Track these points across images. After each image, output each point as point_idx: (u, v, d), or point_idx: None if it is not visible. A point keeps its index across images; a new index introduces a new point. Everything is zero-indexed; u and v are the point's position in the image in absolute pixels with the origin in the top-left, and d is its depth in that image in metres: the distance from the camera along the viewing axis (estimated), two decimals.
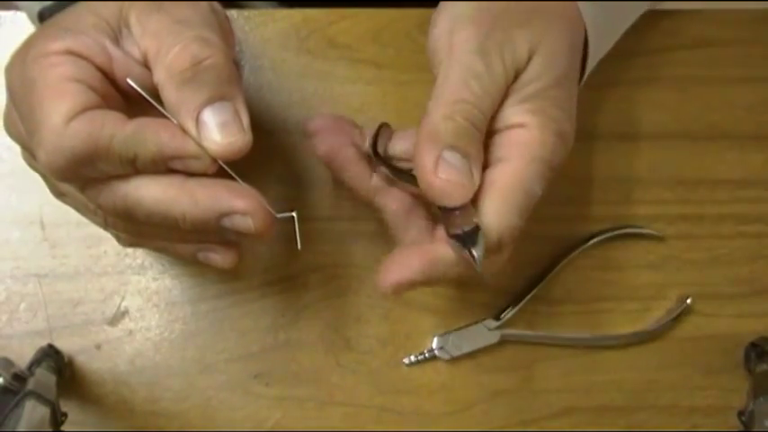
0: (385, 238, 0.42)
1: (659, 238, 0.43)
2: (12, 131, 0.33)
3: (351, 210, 0.42)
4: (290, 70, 0.42)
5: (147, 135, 0.28)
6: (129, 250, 0.42)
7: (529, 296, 0.42)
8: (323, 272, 0.43)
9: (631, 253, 0.43)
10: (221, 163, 0.29)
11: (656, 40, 0.46)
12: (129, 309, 0.42)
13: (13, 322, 0.41)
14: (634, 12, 0.42)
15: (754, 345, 0.42)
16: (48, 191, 0.43)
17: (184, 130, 0.29)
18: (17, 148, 0.43)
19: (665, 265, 0.43)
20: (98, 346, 0.42)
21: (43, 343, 0.41)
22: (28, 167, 0.43)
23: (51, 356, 0.39)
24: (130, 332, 0.42)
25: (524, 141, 0.32)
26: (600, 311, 0.43)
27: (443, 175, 0.30)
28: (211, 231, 0.31)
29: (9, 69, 0.31)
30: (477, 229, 0.30)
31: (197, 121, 0.28)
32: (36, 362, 0.38)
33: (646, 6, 0.43)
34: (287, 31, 0.42)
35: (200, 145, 0.29)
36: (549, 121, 0.32)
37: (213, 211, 0.29)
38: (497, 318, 0.42)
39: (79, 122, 0.28)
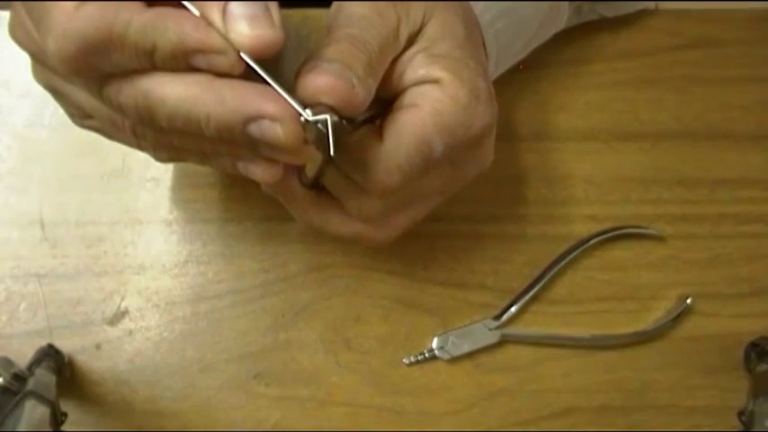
0: None
1: (659, 238, 0.43)
2: (18, 35, 0.30)
3: None
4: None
5: (167, 24, 0.26)
6: (129, 250, 0.42)
7: (529, 296, 0.42)
8: (323, 272, 0.43)
9: (631, 253, 0.43)
10: (249, 62, 0.27)
11: (656, 40, 0.46)
12: (129, 309, 0.42)
13: (13, 322, 0.41)
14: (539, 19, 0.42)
15: (754, 345, 0.42)
16: (47, 191, 0.43)
17: (209, 23, 0.26)
18: (17, 148, 0.43)
19: (665, 265, 0.43)
20: (98, 346, 0.42)
21: (43, 343, 0.41)
22: (28, 167, 0.43)
23: (51, 356, 0.39)
24: (130, 332, 0.42)
25: (436, 95, 0.31)
26: (600, 311, 0.43)
27: (320, 77, 0.28)
28: (238, 142, 0.29)
29: None
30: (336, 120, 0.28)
31: (224, 11, 0.26)
32: (36, 362, 0.38)
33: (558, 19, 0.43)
34: (287, 31, 0.42)
35: (225, 38, 0.26)
36: (462, 80, 0.32)
37: (240, 114, 0.27)
38: (497, 318, 0.42)
39: (91, 5, 0.26)
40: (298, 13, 0.42)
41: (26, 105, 0.44)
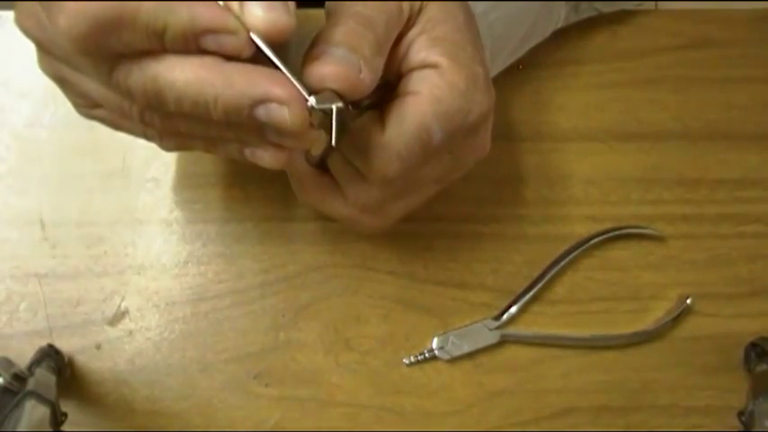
0: (386, 238, 0.43)
1: (659, 238, 0.43)
2: (26, 23, 0.30)
3: None
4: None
5: (179, 4, 0.26)
6: (129, 250, 0.42)
7: (529, 296, 0.42)
8: (323, 272, 0.43)
9: (631, 253, 0.43)
10: (260, 44, 0.27)
11: (657, 40, 0.46)
12: (129, 309, 0.42)
13: (13, 322, 0.41)
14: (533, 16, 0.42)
15: (753, 345, 0.42)
16: (47, 191, 0.43)
17: (222, 5, 0.27)
18: (17, 148, 0.43)
19: (665, 265, 0.43)
20: (98, 346, 0.42)
21: (43, 343, 0.41)
22: (27, 168, 0.43)
23: (51, 356, 0.39)
24: (130, 332, 0.42)
25: (435, 81, 0.32)
26: (600, 311, 0.43)
27: (326, 66, 0.29)
28: (245, 127, 0.29)
29: None
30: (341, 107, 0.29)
31: None
32: (36, 362, 0.38)
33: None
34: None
35: (238, 19, 0.27)
36: (460, 66, 0.32)
37: (248, 97, 0.27)
38: (497, 318, 0.42)
39: None
40: (300, 14, 0.42)
41: (26, 105, 0.44)
